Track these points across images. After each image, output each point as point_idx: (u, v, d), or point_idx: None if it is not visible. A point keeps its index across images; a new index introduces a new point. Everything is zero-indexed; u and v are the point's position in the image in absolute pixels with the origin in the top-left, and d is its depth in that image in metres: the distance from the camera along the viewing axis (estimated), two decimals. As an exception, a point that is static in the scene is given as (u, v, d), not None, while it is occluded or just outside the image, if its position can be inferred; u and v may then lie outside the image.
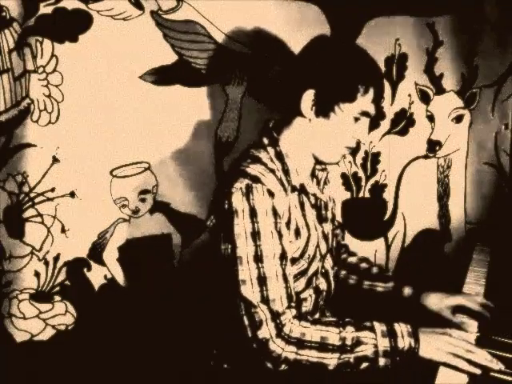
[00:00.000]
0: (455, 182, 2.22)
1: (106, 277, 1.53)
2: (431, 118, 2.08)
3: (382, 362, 1.04)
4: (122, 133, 1.48)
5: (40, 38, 1.35)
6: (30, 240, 1.41)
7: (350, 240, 2.00)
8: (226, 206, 1.08)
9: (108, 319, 1.52)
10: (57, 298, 1.47)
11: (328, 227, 1.32)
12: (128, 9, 1.43)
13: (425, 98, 2.05)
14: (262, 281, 1.06)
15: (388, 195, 2.06)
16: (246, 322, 1.06)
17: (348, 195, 1.97)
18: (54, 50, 1.37)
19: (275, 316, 1.05)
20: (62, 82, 1.39)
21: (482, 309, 1.26)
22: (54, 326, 1.47)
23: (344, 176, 1.95)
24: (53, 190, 1.42)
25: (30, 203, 1.40)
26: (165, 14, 1.49)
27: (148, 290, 1.56)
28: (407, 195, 2.09)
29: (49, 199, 1.42)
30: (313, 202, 1.24)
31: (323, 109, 1.16)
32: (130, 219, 1.54)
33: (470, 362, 1.02)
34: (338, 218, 1.96)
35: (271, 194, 1.09)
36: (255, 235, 1.06)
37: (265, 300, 1.05)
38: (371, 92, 1.16)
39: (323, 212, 1.29)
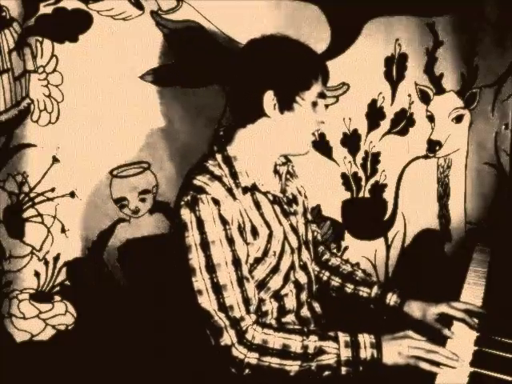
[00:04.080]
0: (455, 182, 2.22)
1: (105, 277, 1.53)
2: (431, 118, 2.09)
3: (343, 370, 1.07)
4: (122, 133, 1.48)
5: (40, 38, 1.35)
6: (30, 240, 1.41)
7: (350, 240, 2.00)
8: (178, 219, 1.12)
9: (108, 319, 1.52)
10: (57, 297, 1.47)
11: (297, 220, 1.32)
12: (128, 9, 1.43)
13: (425, 98, 2.05)
14: (217, 289, 1.08)
15: (388, 195, 2.06)
16: (208, 331, 1.09)
17: (348, 195, 1.97)
18: (54, 49, 1.37)
19: (234, 322, 1.07)
20: (61, 82, 1.39)
21: (465, 316, 1.25)
22: (54, 326, 1.47)
23: (344, 176, 1.95)
24: (53, 190, 1.42)
25: (30, 203, 1.40)
26: (165, 13, 1.49)
27: (148, 289, 1.56)
28: (407, 195, 2.09)
29: (49, 199, 1.42)
30: (271, 198, 1.25)
31: (287, 104, 1.19)
32: (130, 219, 1.54)
33: (432, 362, 1.04)
34: (338, 217, 1.96)
35: (216, 201, 1.10)
36: (205, 245, 1.09)
37: (222, 308, 1.08)
38: (320, 75, 1.22)
39: (286, 206, 1.29)
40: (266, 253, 1.19)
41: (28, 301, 1.43)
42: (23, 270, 1.42)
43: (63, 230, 1.45)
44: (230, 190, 1.15)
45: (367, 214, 2.03)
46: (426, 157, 2.12)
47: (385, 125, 1.98)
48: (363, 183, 1.99)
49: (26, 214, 1.40)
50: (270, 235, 1.20)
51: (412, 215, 2.13)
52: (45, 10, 1.34)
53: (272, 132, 1.22)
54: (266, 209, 1.22)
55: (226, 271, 1.09)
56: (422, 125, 2.07)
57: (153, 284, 1.56)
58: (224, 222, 1.11)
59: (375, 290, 1.39)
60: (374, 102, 1.93)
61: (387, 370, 1.08)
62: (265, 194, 1.23)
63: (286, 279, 1.24)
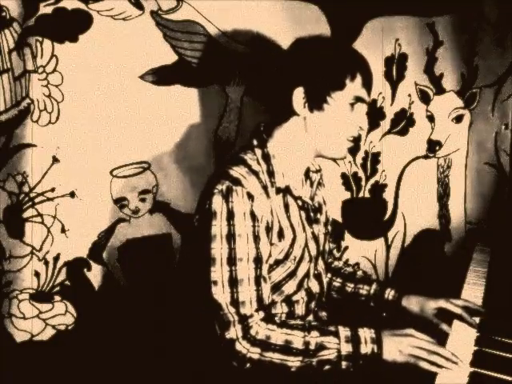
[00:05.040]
0: (455, 182, 2.22)
1: (105, 277, 1.53)
2: (431, 118, 2.09)
3: (344, 365, 1.07)
4: (122, 133, 1.48)
5: (40, 38, 1.35)
6: (29, 240, 1.41)
7: (350, 240, 2.00)
8: (207, 206, 1.10)
9: (108, 319, 1.52)
10: (57, 297, 1.47)
11: (319, 229, 1.32)
12: (128, 9, 1.43)
13: (425, 98, 2.05)
14: (233, 283, 1.07)
15: (388, 195, 2.06)
16: (215, 322, 1.09)
17: (348, 195, 1.97)
18: (54, 50, 1.37)
19: (243, 318, 1.07)
20: (62, 82, 1.39)
21: (463, 311, 1.26)
22: (54, 326, 1.47)
23: (344, 176, 1.95)
24: (53, 190, 1.42)
25: (30, 203, 1.40)
26: (165, 13, 1.49)
27: (148, 289, 1.56)
28: (407, 195, 2.09)
29: (49, 199, 1.42)
30: (300, 203, 1.24)
31: (316, 102, 1.17)
32: (130, 219, 1.54)
33: (432, 362, 1.04)
34: (338, 217, 1.96)
35: (251, 196, 1.09)
36: (230, 237, 1.08)
37: (234, 302, 1.07)
38: (359, 77, 1.18)
39: (312, 214, 1.29)
40: (287, 256, 1.19)
41: (28, 301, 1.43)
42: (23, 270, 1.42)
43: (63, 230, 1.45)
44: (265, 188, 1.14)
45: (367, 214, 2.03)
46: (426, 157, 2.12)
47: (385, 125, 1.99)
48: (363, 183, 1.99)
49: (25, 214, 1.40)
50: (294, 239, 1.19)
51: (412, 215, 2.13)
52: (45, 9, 1.34)
53: (303, 131, 1.21)
54: (294, 213, 1.22)
55: (246, 267, 1.08)
56: (422, 125, 2.07)
57: (153, 284, 1.56)
58: (254, 218, 1.10)
59: (374, 286, 1.40)
60: (374, 101, 1.93)
61: (387, 366, 1.08)
62: (295, 198, 1.23)
63: (300, 286, 1.24)
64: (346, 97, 1.17)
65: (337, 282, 1.47)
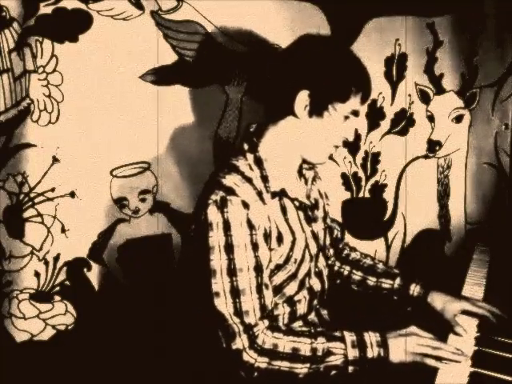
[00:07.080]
0: (455, 182, 2.22)
1: (105, 277, 1.53)
2: (431, 118, 2.09)
3: (350, 370, 1.07)
4: (122, 133, 1.48)
5: (40, 38, 1.35)
6: (29, 240, 1.41)
7: (350, 240, 2.00)
8: (203, 218, 1.09)
9: (108, 319, 1.52)
10: (57, 297, 1.47)
11: (318, 226, 1.32)
12: (128, 9, 1.44)
13: (425, 98, 2.05)
14: (235, 293, 1.07)
15: (388, 195, 2.06)
16: (220, 334, 1.08)
17: (348, 195, 1.97)
18: (54, 50, 1.37)
19: (248, 328, 1.06)
20: (61, 82, 1.39)
21: (487, 313, 1.27)
22: (54, 326, 1.47)
23: (344, 176, 1.95)
24: (53, 190, 1.42)
25: (30, 203, 1.40)
26: (165, 13, 1.49)
27: (148, 290, 1.56)
28: (407, 195, 2.10)
29: (49, 199, 1.42)
30: (297, 204, 1.23)
31: (317, 109, 1.16)
32: (130, 219, 1.54)
33: (438, 358, 1.06)
34: (338, 217, 1.96)
35: (246, 205, 1.08)
36: (229, 248, 1.07)
37: (238, 312, 1.06)
38: (361, 93, 1.18)
39: (310, 213, 1.28)
40: (287, 260, 1.18)
41: (28, 301, 1.43)
42: (23, 270, 1.42)
43: (63, 230, 1.45)
44: (259, 194, 1.13)
45: (367, 214, 2.03)
46: (426, 157, 2.12)
47: (385, 125, 1.99)
48: (363, 183, 1.99)
49: (26, 214, 1.40)
50: (294, 242, 1.19)
51: (412, 215, 2.13)
52: (45, 9, 1.34)
53: (296, 133, 1.20)
54: (292, 215, 1.21)
55: (246, 276, 1.07)
56: (422, 125, 2.07)
57: (153, 284, 1.57)
58: (251, 226, 1.09)
59: (398, 281, 1.40)
60: (373, 102, 1.93)
61: (393, 368, 1.08)
62: (292, 199, 1.22)
63: (302, 286, 1.23)
64: (345, 109, 1.17)
65: (357, 276, 1.46)
